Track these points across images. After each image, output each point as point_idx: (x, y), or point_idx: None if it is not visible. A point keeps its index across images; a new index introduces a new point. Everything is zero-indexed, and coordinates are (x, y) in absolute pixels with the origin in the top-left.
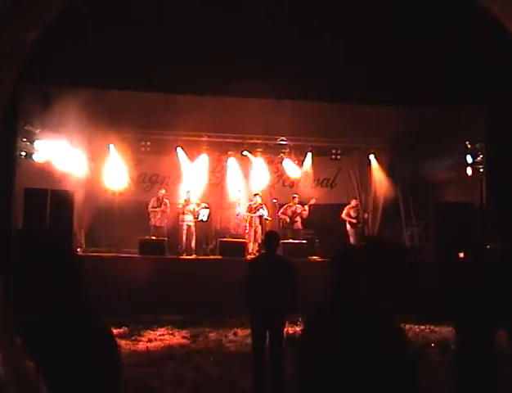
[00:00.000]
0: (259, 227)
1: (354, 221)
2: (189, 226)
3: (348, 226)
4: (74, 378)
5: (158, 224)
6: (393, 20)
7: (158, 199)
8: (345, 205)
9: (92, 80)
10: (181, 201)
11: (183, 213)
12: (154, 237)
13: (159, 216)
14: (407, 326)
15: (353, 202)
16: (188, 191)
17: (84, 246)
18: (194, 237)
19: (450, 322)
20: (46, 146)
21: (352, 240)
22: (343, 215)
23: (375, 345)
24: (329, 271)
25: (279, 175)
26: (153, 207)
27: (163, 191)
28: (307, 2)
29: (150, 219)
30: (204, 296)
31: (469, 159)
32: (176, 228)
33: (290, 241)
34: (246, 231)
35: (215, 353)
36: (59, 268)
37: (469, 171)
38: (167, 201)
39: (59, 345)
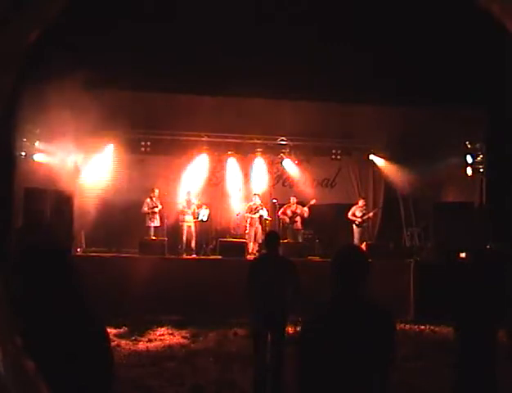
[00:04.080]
0: (259, 227)
1: (359, 220)
2: (189, 226)
3: (354, 226)
4: (72, 377)
5: (156, 225)
6: (393, 20)
7: (151, 199)
8: (346, 205)
9: (93, 80)
10: (182, 201)
11: (183, 213)
12: (154, 237)
13: (156, 217)
14: (407, 326)
15: (361, 202)
16: (188, 192)
17: (84, 246)
18: (194, 237)
19: (450, 321)
20: (46, 146)
21: (356, 240)
22: (349, 215)
23: (374, 345)
24: (330, 270)
25: (279, 175)
26: (149, 208)
27: (157, 191)
28: (307, 3)
29: (146, 221)
30: (204, 296)
31: (469, 159)
32: (176, 228)
33: (290, 241)
34: (246, 231)
35: (215, 353)
36: (58, 267)
37: (469, 171)
38: (157, 201)
39: (57, 345)
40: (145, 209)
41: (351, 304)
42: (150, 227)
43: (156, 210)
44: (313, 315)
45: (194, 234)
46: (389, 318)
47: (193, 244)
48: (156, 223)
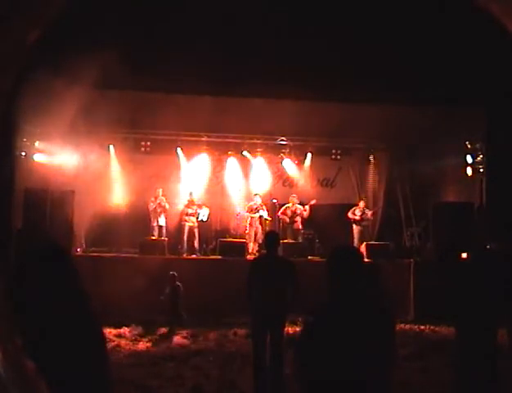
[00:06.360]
0: (259, 227)
1: (358, 218)
2: (190, 227)
3: (354, 225)
4: (72, 377)
5: (160, 224)
6: (393, 19)
7: (156, 199)
8: (346, 205)
9: (93, 80)
10: (184, 201)
11: (186, 214)
12: (154, 237)
13: (161, 216)
14: (407, 326)
15: (361, 204)
16: (191, 192)
17: (84, 246)
18: (196, 237)
19: (450, 321)
20: (46, 146)
21: (356, 240)
22: (349, 214)
23: (375, 344)
24: (326, 270)
25: (279, 175)
26: (153, 207)
27: (161, 191)
28: (308, 3)
29: (151, 220)
30: (204, 296)
31: (469, 159)
32: (177, 228)
33: (290, 241)
34: (246, 231)
35: (215, 353)
36: (58, 267)
37: (469, 171)
38: (163, 198)
39: (57, 345)
40: (153, 207)
41: (350, 303)
42: (154, 226)
43: (159, 209)
44: (313, 315)
45: (196, 235)
46: (389, 317)
47: (196, 244)
48: (161, 222)
